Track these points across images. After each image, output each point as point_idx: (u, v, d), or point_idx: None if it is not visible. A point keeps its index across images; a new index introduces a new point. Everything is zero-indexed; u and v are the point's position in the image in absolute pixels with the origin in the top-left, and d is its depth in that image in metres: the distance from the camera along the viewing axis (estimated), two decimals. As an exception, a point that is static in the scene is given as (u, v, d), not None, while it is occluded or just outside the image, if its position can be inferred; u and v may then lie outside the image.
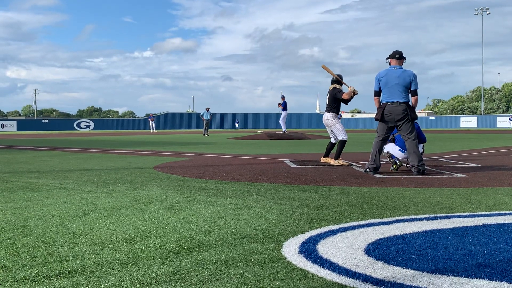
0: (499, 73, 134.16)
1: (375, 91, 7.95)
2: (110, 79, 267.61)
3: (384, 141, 7.90)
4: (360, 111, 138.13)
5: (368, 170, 7.71)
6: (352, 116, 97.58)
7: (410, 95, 7.71)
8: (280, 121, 26.60)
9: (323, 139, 23.97)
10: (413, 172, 7.50)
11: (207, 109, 33.23)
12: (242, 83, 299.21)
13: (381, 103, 7.82)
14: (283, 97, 26.75)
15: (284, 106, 26.14)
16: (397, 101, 7.57)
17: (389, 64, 7.88)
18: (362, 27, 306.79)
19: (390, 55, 7.90)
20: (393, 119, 7.63)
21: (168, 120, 66.10)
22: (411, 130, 7.60)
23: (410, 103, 7.73)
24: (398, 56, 7.80)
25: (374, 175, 7.50)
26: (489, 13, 67.66)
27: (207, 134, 31.75)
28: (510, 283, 2.49)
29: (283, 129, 26.41)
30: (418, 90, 7.73)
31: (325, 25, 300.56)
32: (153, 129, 48.73)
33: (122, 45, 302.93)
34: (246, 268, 2.78)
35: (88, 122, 64.45)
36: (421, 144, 9.11)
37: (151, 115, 53.13)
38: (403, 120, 7.59)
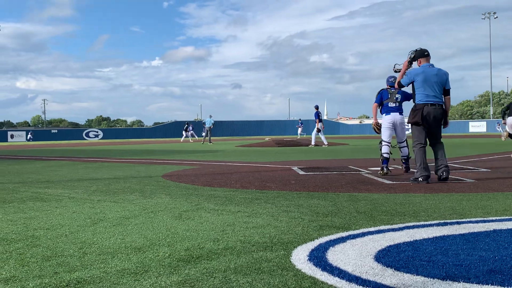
0: (507, 77, 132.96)
1: (401, 84, 7.53)
2: (119, 89, 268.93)
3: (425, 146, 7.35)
4: (368, 117, 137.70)
5: (420, 179, 7.14)
6: (360, 122, 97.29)
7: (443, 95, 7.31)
8: (313, 134, 23.97)
9: (332, 146, 23.92)
10: (443, 175, 7.16)
11: (210, 116, 33.04)
12: (250, 90, 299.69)
13: (416, 104, 7.27)
14: (316, 107, 24.18)
15: (316, 117, 23.64)
16: (435, 103, 7.14)
17: (418, 65, 7.39)
18: (370, 33, 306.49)
19: (416, 55, 7.43)
20: (431, 122, 7.20)
21: (175, 129, 66.20)
22: (440, 136, 7.34)
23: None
24: (427, 54, 7.36)
25: (387, 181, 7.46)
26: (497, 17, 67.46)
27: (210, 142, 31.49)
28: (522, 289, 2.46)
29: (312, 143, 23.59)
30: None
31: (334, 31, 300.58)
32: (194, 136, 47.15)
33: (131, 55, 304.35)
34: (255, 277, 2.76)
35: (97, 132, 64.70)
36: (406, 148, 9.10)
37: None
38: (439, 125, 7.28)
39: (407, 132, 9.42)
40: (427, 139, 7.39)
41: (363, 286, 2.59)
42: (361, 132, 64.84)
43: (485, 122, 58.67)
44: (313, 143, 23.54)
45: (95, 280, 2.77)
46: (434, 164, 7.39)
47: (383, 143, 8.99)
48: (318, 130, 23.65)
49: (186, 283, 2.68)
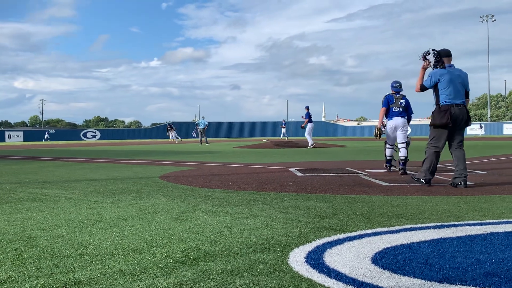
0: (505, 80, 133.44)
1: (424, 87, 7.10)
2: (117, 89, 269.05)
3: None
4: (366, 119, 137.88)
5: (422, 181, 7.03)
6: (358, 124, 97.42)
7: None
8: (306, 135, 23.58)
9: (330, 148, 23.93)
10: (461, 185, 6.81)
11: (203, 118, 32.78)
12: (249, 92, 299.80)
13: (442, 105, 6.89)
14: (307, 108, 23.85)
15: (308, 118, 23.47)
16: (460, 104, 6.85)
17: (441, 66, 6.97)
18: (369, 35, 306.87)
19: (440, 54, 7.00)
20: (458, 124, 6.90)
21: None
22: (463, 138, 7.10)
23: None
24: (450, 54, 7.07)
25: (385, 184, 7.46)
26: (495, 20, 67.67)
27: (207, 143, 31.30)
28: (519, 292, 2.46)
29: (310, 143, 23.25)
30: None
31: (332, 33, 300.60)
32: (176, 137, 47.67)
33: (129, 55, 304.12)
34: (252, 278, 2.76)
35: (95, 132, 64.62)
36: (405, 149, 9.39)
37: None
38: (463, 127, 7.00)
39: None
40: (448, 142, 7.09)
41: (360, 288, 2.58)
42: (359, 134, 64.89)
43: (482, 125, 58.68)
44: (310, 143, 23.40)
45: (92, 281, 2.76)
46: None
47: (387, 145, 9.79)
48: (304, 129, 23.75)
49: (183, 285, 2.68)
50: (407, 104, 9.72)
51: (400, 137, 9.68)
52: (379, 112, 9.82)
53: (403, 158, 9.39)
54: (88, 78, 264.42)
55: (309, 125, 23.37)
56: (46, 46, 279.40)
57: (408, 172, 9.17)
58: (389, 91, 9.82)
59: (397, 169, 9.55)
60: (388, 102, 9.67)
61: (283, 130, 47.12)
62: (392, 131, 9.69)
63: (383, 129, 9.92)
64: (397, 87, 9.79)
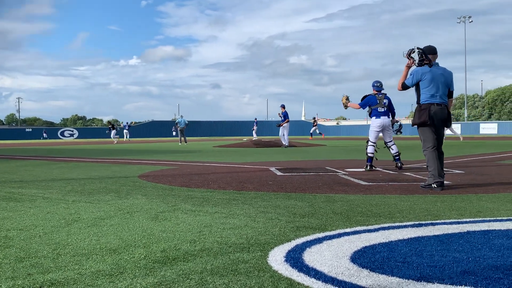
0: (482, 81, 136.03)
1: (406, 85, 7.02)
2: (96, 87, 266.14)
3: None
4: (345, 119, 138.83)
5: (434, 186, 6.60)
6: (338, 124, 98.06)
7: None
8: (283, 135, 23.06)
9: (309, 147, 24.02)
10: (435, 188, 6.59)
11: (181, 117, 32.39)
12: (229, 91, 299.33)
13: (421, 104, 6.83)
14: (283, 106, 23.25)
15: (285, 116, 22.91)
16: (441, 103, 6.76)
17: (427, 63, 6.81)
18: (348, 35, 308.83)
19: (425, 53, 6.85)
20: (437, 123, 6.78)
21: (153, 128, 65.76)
22: (442, 141, 6.99)
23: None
24: (435, 51, 6.92)
25: (363, 183, 7.52)
26: (472, 21, 68.42)
27: (185, 142, 31.00)
28: (494, 290, 2.50)
29: (285, 143, 22.85)
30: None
31: (312, 33, 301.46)
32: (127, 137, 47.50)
33: (108, 53, 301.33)
34: (231, 278, 2.76)
35: (72, 131, 63.91)
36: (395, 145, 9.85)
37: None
38: (443, 126, 6.93)
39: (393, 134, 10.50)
40: None
41: (338, 287, 2.60)
42: (338, 133, 65.24)
43: (459, 125, 59.48)
44: (286, 143, 23.10)
45: (69, 281, 2.73)
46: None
47: (370, 143, 10.00)
48: (279, 127, 23.29)
49: (162, 285, 2.66)
50: (389, 102, 10.12)
51: (387, 136, 10.14)
52: (359, 112, 10.18)
53: (397, 154, 9.92)
54: (66, 76, 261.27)
55: (287, 125, 23.15)
56: (23, 44, 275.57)
57: (405, 165, 9.96)
58: (370, 91, 10.13)
59: (373, 167, 9.87)
60: (368, 104, 10.06)
61: (255, 128, 46.51)
62: (379, 129, 10.04)
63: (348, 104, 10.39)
64: (378, 86, 10.16)
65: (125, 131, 48.45)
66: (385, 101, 10.01)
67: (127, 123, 51.68)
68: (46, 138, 58.66)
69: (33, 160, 14.92)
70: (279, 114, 23.72)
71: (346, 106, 10.42)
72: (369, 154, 9.90)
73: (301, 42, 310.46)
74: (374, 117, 10.04)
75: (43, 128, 69.85)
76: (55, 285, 2.67)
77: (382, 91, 10.11)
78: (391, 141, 10.15)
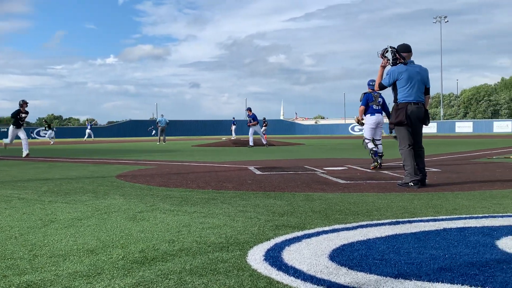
0: (457, 80, 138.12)
1: (383, 85, 7.05)
2: (73, 86, 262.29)
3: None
4: (324, 118, 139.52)
5: (411, 184, 6.64)
6: (316, 123, 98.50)
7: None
8: (253, 134, 23.35)
9: (288, 146, 24.10)
10: (413, 186, 6.64)
11: (162, 116, 32.15)
12: (208, 90, 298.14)
13: (398, 103, 6.84)
14: (250, 110, 23.65)
15: (253, 119, 23.20)
16: (417, 102, 6.77)
17: (399, 62, 6.84)
18: (326, 34, 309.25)
19: (398, 51, 6.86)
20: (415, 122, 6.81)
21: (130, 128, 65.19)
22: (421, 139, 7.04)
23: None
24: (410, 49, 6.93)
25: (341, 181, 7.57)
26: (447, 21, 69.32)
27: (164, 141, 30.76)
28: (470, 286, 2.54)
29: (250, 143, 23.16)
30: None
31: (290, 32, 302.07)
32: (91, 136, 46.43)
33: (85, 52, 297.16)
34: (211, 278, 2.75)
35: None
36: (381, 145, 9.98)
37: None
38: (421, 125, 6.94)
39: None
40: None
41: (317, 285, 2.61)
42: (316, 132, 65.55)
43: (435, 124, 60.26)
44: (264, 142, 23.63)
45: (46, 283, 2.69)
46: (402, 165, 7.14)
47: (367, 140, 10.21)
48: (251, 127, 23.33)
49: (140, 285, 2.64)
50: (384, 102, 10.38)
51: (378, 134, 10.35)
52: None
53: (381, 153, 10.08)
54: (42, 75, 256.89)
55: (257, 126, 23.56)
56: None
57: (384, 165, 10.05)
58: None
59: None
60: (367, 101, 10.25)
61: (233, 127, 46.21)
62: (374, 126, 10.24)
63: (362, 121, 10.47)
64: (372, 84, 10.25)
65: (87, 130, 47.38)
66: (380, 99, 10.27)
67: (89, 122, 50.82)
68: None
69: (8, 160, 14.68)
70: (247, 118, 24.03)
71: (360, 122, 10.47)
72: (373, 149, 9.98)
73: (279, 42, 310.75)
74: (369, 114, 10.22)
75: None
76: (31, 287, 2.63)
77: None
78: (380, 139, 10.33)
